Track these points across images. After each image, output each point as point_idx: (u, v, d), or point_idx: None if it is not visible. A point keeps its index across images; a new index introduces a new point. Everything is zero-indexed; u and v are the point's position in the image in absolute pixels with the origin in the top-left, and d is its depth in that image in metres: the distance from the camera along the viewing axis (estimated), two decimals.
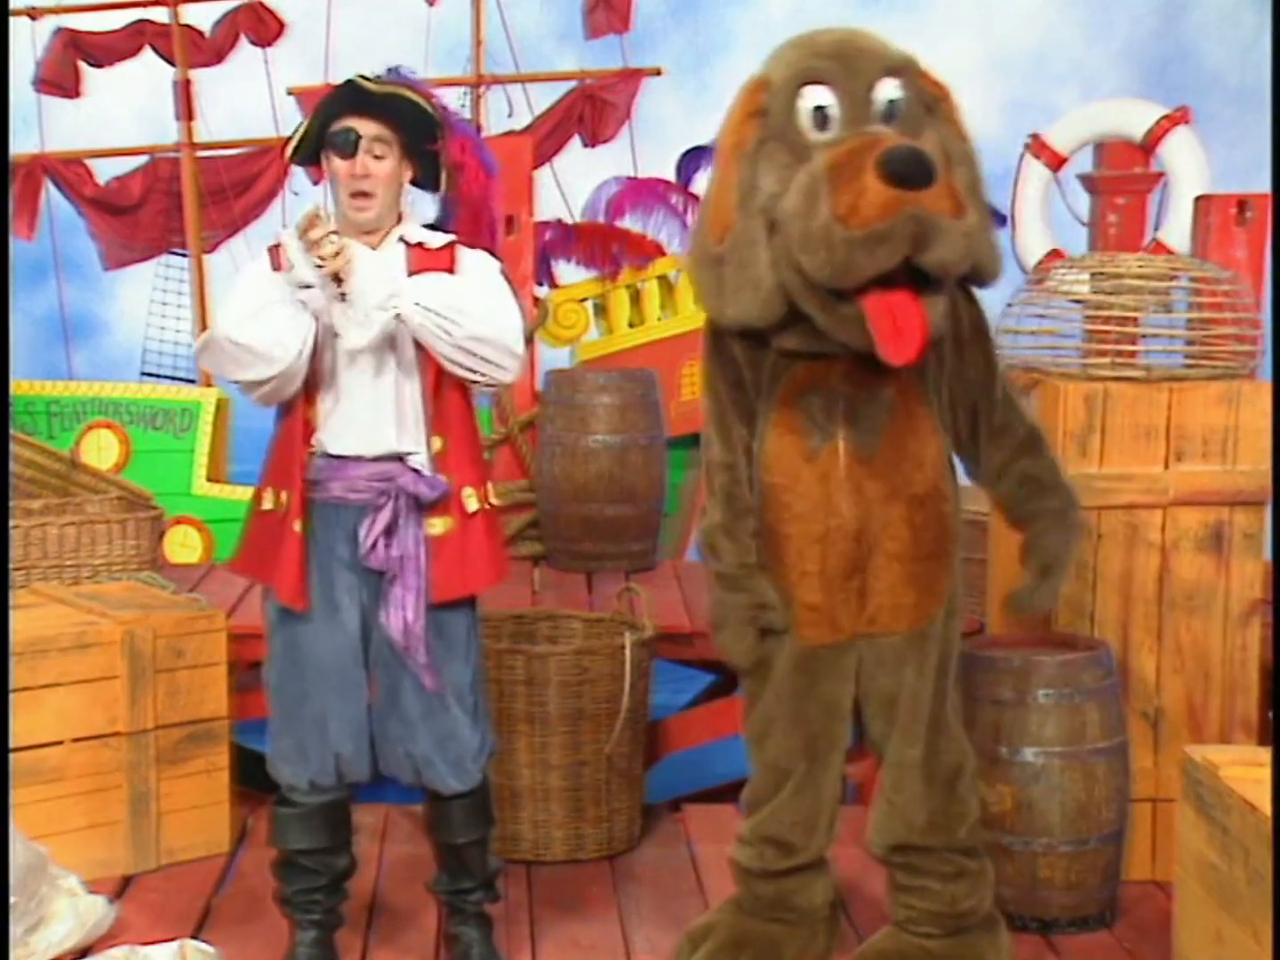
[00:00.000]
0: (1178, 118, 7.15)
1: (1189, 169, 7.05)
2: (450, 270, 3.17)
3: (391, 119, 3.14)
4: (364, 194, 3.14)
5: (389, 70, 3.22)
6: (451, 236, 3.25)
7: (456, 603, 3.24)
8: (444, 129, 3.22)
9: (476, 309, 3.10)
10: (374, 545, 3.16)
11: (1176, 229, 6.94)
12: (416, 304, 3.07)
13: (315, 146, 3.19)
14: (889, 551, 3.12)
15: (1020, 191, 7.35)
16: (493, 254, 3.28)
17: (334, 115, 3.15)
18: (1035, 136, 7.38)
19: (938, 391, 3.15)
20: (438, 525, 3.19)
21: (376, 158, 3.13)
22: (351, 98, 3.14)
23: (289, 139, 3.23)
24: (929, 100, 3.02)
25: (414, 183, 3.24)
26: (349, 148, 3.12)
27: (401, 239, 3.20)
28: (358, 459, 3.19)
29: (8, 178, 6.41)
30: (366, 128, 3.13)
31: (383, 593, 3.19)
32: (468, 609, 3.30)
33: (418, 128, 3.17)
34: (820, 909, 3.35)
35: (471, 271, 3.19)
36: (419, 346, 3.14)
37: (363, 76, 3.16)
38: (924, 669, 3.16)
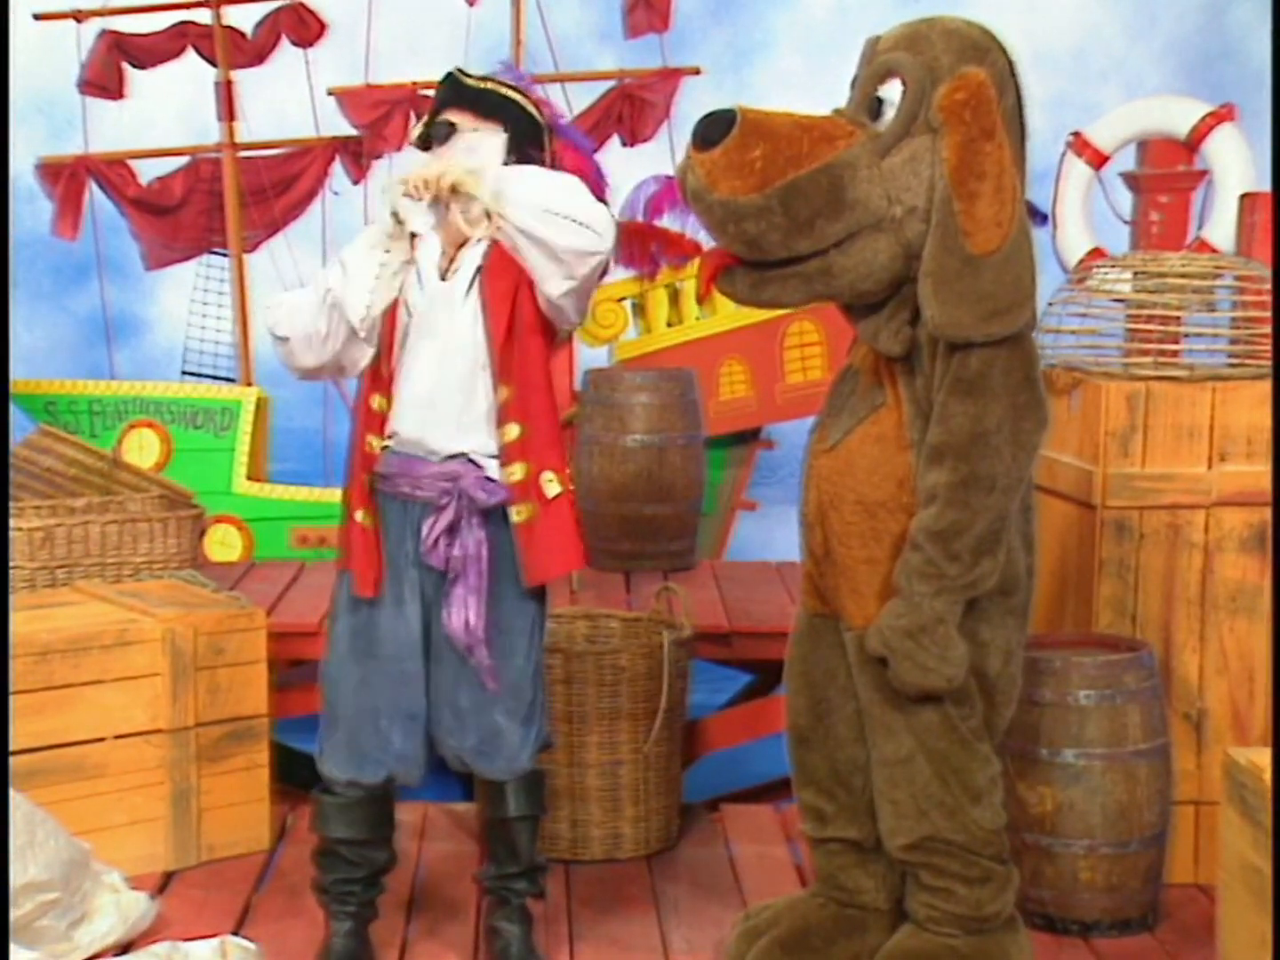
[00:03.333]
0: (1223, 114, 7.09)
1: (1234, 166, 6.99)
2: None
3: (492, 115, 3.16)
4: None
5: (502, 66, 3.28)
6: None
7: (521, 598, 3.26)
8: (551, 135, 3.23)
9: (561, 184, 3.11)
10: (435, 544, 3.19)
11: (1221, 227, 6.88)
12: (517, 196, 3.04)
13: (426, 142, 3.23)
14: (839, 550, 3.13)
15: (1062, 189, 7.30)
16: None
17: (437, 111, 3.20)
18: (1077, 134, 7.34)
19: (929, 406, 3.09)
20: (523, 512, 3.21)
21: None
22: (450, 91, 3.19)
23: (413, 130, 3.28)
24: (934, 123, 2.93)
25: None
26: (443, 140, 3.16)
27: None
28: (424, 458, 3.23)
29: (8, 176, 6.43)
30: (464, 121, 3.17)
31: (444, 592, 3.22)
32: (535, 604, 3.30)
33: (520, 128, 3.19)
34: (869, 898, 3.33)
35: None
36: (493, 326, 3.15)
37: (462, 72, 3.21)
38: (884, 672, 3.10)
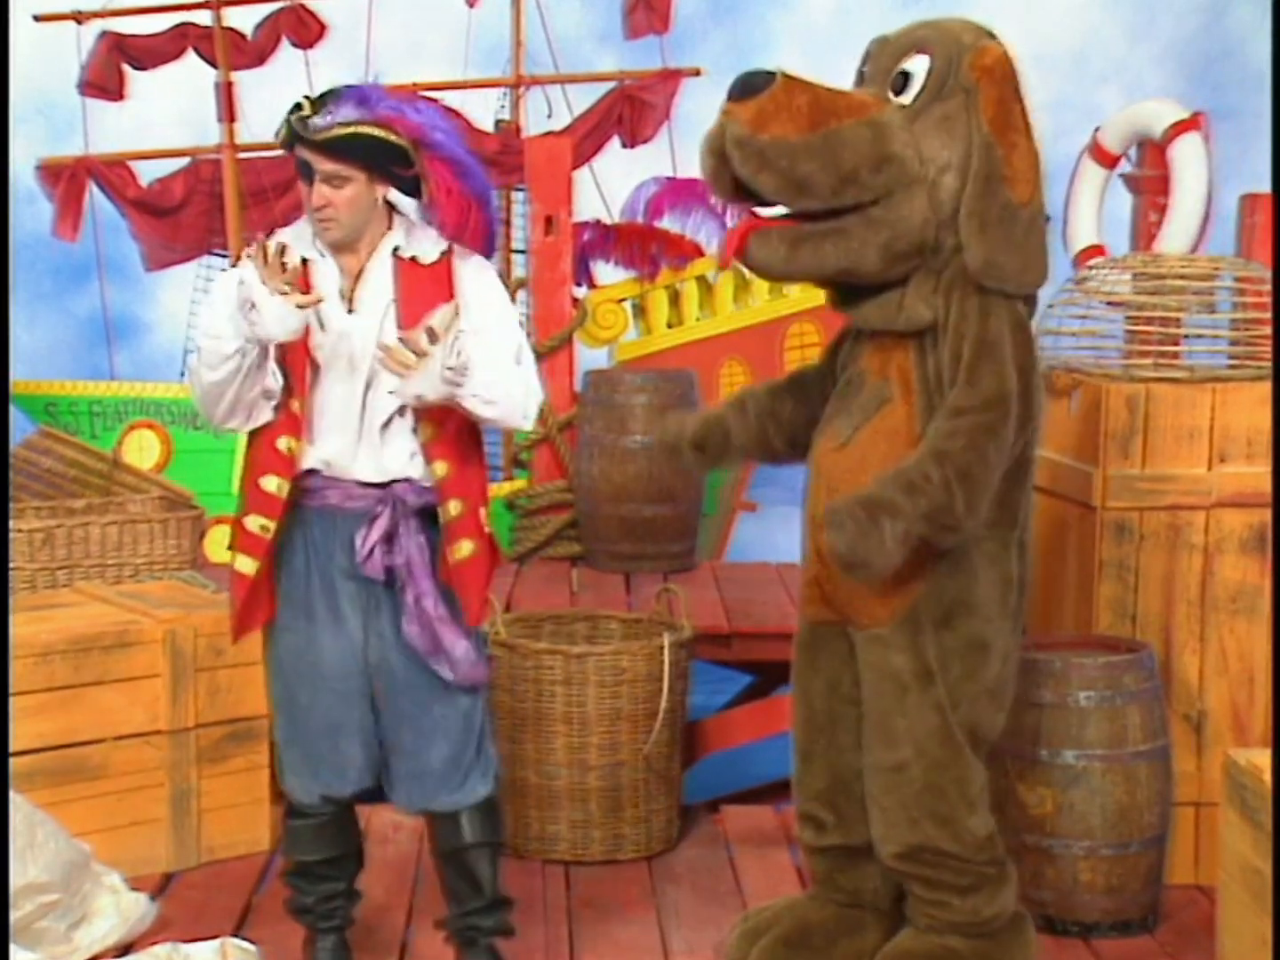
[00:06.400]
0: (1189, 123, 7.05)
1: (1188, 175, 6.95)
2: (447, 292, 3.06)
3: (344, 158, 3.00)
4: (328, 218, 3.05)
5: (348, 90, 3.01)
6: (444, 246, 3.12)
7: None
8: (415, 152, 3.02)
9: (493, 375, 3.00)
10: (371, 553, 3.09)
11: (1177, 237, 6.85)
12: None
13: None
14: None
15: (1075, 189, 7.31)
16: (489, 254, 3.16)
17: (290, 146, 3.05)
18: (1095, 135, 7.33)
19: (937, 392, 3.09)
20: (466, 548, 3.12)
21: (335, 188, 3.02)
22: (294, 136, 3.01)
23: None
24: (966, 84, 3.06)
25: (398, 190, 3.11)
26: (307, 179, 3.04)
27: (395, 251, 3.10)
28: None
29: (8, 177, 6.43)
30: (320, 165, 3.01)
31: (398, 605, 3.12)
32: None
33: (377, 156, 3.01)
34: (870, 896, 3.34)
35: (472, 298, 3.06)
36: None
37: (298, 110, 3.00)
38: (893, 673, 3.10)
